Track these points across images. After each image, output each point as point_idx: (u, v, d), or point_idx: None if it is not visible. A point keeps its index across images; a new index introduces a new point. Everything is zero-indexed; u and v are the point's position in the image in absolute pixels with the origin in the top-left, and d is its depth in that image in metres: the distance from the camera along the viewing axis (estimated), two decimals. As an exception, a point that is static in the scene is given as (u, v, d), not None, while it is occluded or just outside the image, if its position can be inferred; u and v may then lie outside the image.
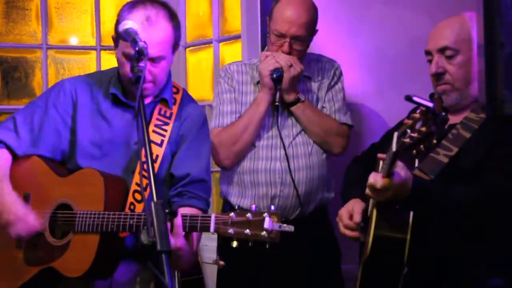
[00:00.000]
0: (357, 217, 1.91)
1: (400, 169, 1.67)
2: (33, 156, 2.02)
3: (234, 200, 2.51)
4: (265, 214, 1.68)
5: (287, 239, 2.28)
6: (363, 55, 2.71)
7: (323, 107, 2.51)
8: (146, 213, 1.45)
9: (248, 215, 1.70)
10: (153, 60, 1.92)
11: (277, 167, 2.42)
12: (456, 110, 1.94)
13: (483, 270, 1.84)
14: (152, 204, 1.44)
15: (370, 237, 1.79)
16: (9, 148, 2.01)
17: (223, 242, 2.48)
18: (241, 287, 2.50)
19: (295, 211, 2.44)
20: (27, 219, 1.92)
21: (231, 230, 1.70)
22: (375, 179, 1.68)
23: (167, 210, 1.60)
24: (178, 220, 1.76)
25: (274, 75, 2.36)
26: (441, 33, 1.92)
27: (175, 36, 1.99)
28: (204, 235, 3.44)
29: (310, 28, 2.42)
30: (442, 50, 1.90)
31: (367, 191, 1.74)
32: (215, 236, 3.44)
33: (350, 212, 1.93)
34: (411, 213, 1.76)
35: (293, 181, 2.39)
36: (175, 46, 2.00)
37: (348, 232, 1.92)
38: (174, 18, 1.99)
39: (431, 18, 1.97)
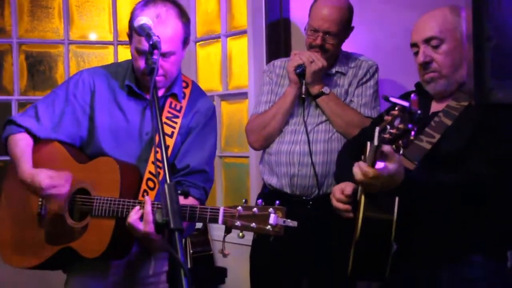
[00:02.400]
0: (348, 191, 1.89)
1: (393, 162, 1.62)
2: (53, 142, 2.00)
3: (266, 178, 2.60)
4: (270, 209, 1.67)
5: (309, 218, 2.37)
6: (363, 48, 2.69)
7: (351, 101, 2.52)
8: (160, 194, 1.44)
9: (254, 209, 1.69)
10: (163, 55, 1.89)
11: (296, 149, 2.47)
12: (442, 97, 1.91)
13: (466, 248, 1.83)
14: (166, 186, 1.43)
15: (359, 219, 1.77)
16: (30, 133, 1.99)
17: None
18: (271, 257, 2.53)
19: (313, 191, 2.46)
20: (56, 183, 1.88)
21: (238, 223, 1.69)
22: (360, 166, 1.66)
23: (179, 191, 1.60)
24: (147, 207, 1.75)
25: (297, 71, 2.43)
26: (426, 25, 1.88)
27: (185, 32, 1.95)
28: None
29: (342, 25, 2.45)
30: (427, 41, 1.86)
31: (356, 177, 1.71)
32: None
33: (342, 189, 1.91)
34: (397, 197, 1.74)
35: (312, 162, 2.42)
36: (185, 41, 1.97)
37: (340, 205, 1.91)
38: (183, 15, 1.95)
39: (424, 13, 1.96)
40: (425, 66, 1.88)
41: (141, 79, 1.97)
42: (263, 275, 2.60)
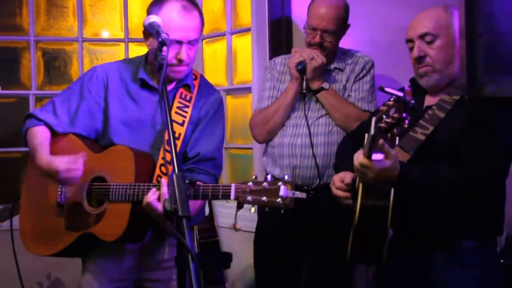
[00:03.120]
0: (348, 180, 1.89)
1: (388, 158, 1.63)
2: (70, 134, 2.01)
3: (269, 169, 2.59)
4: (280, 183, 1.65)
5: (309, 205, 2.29)
6: (360, 44, 2.69)
7: (349, 95, 2.52)
8: (169, 183, 1.44)
9: (264, 184, 1.67)
10: (190, 43, 1.92)
11: (298, 142, 2.46)
12: (435, 91, 1.91)
13: (459, 234, 1.83)
14: (174, 176, 1.43)
15: (357, 206, 1.78)
16: (48, 126, 2.01)
17: (262, 222, 2.60)
18: (274, 242, 2.55)
19: (314, 181, 2.46)
20: (70, 165, 1.89)
21: (249, 198, 1.67)
22: (357, 156, 1.67)
23: (187, 181, 1.60)
24: (163, 189, 1.74)
25: (298, 67, 2.42)
26: (421, 22, 1.89)
27: (203, 21, 1.99)
28: (219, 202, 3.47)
29: (339, 23, 2.45)
30: (422, 36, 1.87)
31: (357, 170, 1.71)
32: (229, 204, 3.48)
33: (342, 178, 1.91)
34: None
35: (313, 154, 2.42)
36: (202, 30, 2.00)
37: (340, 193, 1.91)
38: (198, 5, 2.00)
39: (416, 12, 1.96)
40: (419, 60, 1.88)
41: (169, 71, 1.94)
42: (266, 260, 2.61)
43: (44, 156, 1.92)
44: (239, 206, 1.71)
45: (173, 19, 1.89)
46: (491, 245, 1.89)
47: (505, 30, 1.35)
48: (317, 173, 2.45)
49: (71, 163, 1.88)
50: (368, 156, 1.62)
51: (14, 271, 2.86)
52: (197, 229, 3.25)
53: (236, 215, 1.76)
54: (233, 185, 1.70)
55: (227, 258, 3.22)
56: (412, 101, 1.48)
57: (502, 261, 2.06)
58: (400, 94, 1.48)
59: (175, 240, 1.95)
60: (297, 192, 1.66)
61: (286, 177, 1.67)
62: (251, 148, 3.32)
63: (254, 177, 1.70)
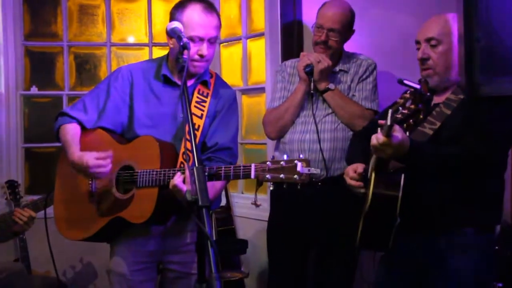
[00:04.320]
0: (360, 170, 1.90)
1: (398, 132, 1.65)
2: (98, 129, 2.03)
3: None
4: (296, 161, 1.63)
5: (317, 195, 2.40)
6: (364, 49, 2.68)
7: (353, 95, 2.51)
8: (189, 173, 1.45)
9: (282, 162, 1.65)
10: (210, 40, 1.95)
11: (307, 138, 2.47)
12: (440, 91, 1.92)
13: (460, 220, 1.84)
14: (194, 168, 1.44)
15: (369, 195, 1.78)
16: (79, 123, 2.03)
17: (274, 194, 2.62)
18: (285, 230, 2.56)
19: (322, 174, 2.45)
20: (99, 161, 1.90)
21: (268, 176, 1.65)
22: (377, 137, 1.67)
23: (206, 173, 1.61)
24: (188, 172, 1.71)
25: (306, 69, 2.43)
26: (429, 27, 1.91)
27: (220, 23, 2.01)
28: (235, 194, 3.49)
29: (344, 25, 2.45)
30: (428, 40, 1.88)
31: (372, 149, 1.72)
32: (243, 195, 3.49)
33: (355, 168, 1.92)
34: (403, 176, 1.75)
35: (321, 148, 2.42)
36: (219, 31, 2.03)
37: (353, 182, 1.91)
38: (216, 8, 2.03)
39: (418, 19, 1.96)
40: (422, 61, 1.90)
41: (190, 66, 1.95)
42: (278, 246, 2.61)
43: (75, 152, 1.95)
44: (259, 184, 1.70)
45: (196, 18, 1.92)
46: (489, 232, 1.90)
47: (501, 36, 1.34)
48: (324, 166, 2.44)
49: (100, 160, 1.89)
50: (387, 135, 1.63)
51: (49, 257, 2.90)
52: (215, 218, 3.26)
53: (256, 192, 1.75)
54: (253, 165, 1.68)
55: (243, 244, 3.24)
56: (428, 93, 1.50)
57: (496, 248, 2.05)
58: (417, 86, 1.50)
59: (195, 226, 1.99)
60: (312, 169, 1.63)
61: (301, 155, 1.66)
62: (264, 144, 3.32)
63: (272, 157, 1.69)
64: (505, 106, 1.76)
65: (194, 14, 1.92)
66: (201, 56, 1.93)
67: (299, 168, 1.61)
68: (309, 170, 1.62)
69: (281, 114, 2.52)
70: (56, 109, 3.59)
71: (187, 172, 1.73)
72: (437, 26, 1.89)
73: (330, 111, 2.49)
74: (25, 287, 2.43)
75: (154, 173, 1.84)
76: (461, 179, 1.80)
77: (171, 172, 1.81)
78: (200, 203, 1.39)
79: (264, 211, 2.85)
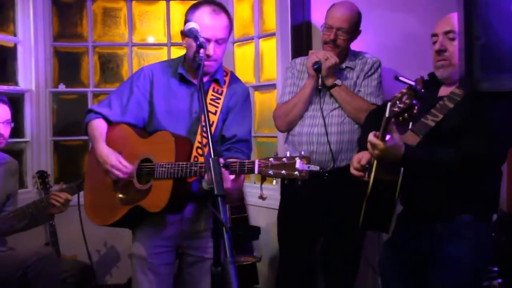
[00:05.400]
0: (364, 162, 1.88)
1: (395, 135, 1.64)
2: (123, 124, 2.06)
3: (290, 154, 2.57)
4: (296, 158, 1.63)
5: (324, 185, 2.40)
6: (370, 47, 2.66)
7: (359, 90, 2.50)
8: (206, 166, 1.46)
9: (284, 159, 1.65)
10: (218, 41, 1.94)
11: (315, 131, 2.46)
12: (449, 83, 1.89)
13: (458, 209, 1.81)
14: (210, 160, 1.44)
15: (370, 179, 1.78)
16: (104, 118, 2.06)
17: (284, 187, 2.62)
18: (294, 217, 2.57)
19: (329, 165, 2.46)
20: (120, 165, 1.94)
21: (271, 171, 1.65)
22: (372, 140, 1.66)
23: (221, 164, 1.61)
24: (225, 171, 1.74)
25: (315, 66, 2.42)
26: (448, 21, 1.86)
27: (231, 24, 2.00)
28: (247, 183, 3.49)
29: (351, 25, 2.45)
30: (446, 33, 1.84)
31: (368, 147, 1.72)
32: (255, 185, 3.50)
33: (359, 159, 1.91)
34: None
35: (328, 141, 2.42)
36: (230, 32, 2.01)
37: (356, 173, 1.90)
38: (227, 11, 2.01)
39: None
40: (439, 52, 1.85)
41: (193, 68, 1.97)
42: (287, 232, 2.62)
43: (101, 147, 1.99)
44: (263, 179, 1.69)
45: (204, 20, 1.92)
46: (485, 220, 1.87)
47: (499, 34, 1.32)
48: (331, 158, 2.44)
49: (121, 165, 1.93)
50: (382, 138, 1.63)
51: (76, 241, 2.94)
52: (229, 207, 3.28)
53: (261, 186, 1.74)
54: (256, 161, 1.69)
55: (256, 231, 3.25)
56: (422, 90, 1.49)
57: (493, 235, 2.03)
58: (412, 83, 1.50)
59: (210, 214, 1.97)
60: (312, 166, 1.62)
61: (302, 152, 1.64)
62: (275, 137, 3.32)
63: (275, 153, 1.68)
64: (507, 105, 1.72)
65: (203, 16, 1.92)
66: (208, 56, 1.92)
67: (298, 165, 1.61)
68: (308, 167, 1.61)
69: (290, 108, 2.52)
70: (81, 105, 3.64)
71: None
72: (455, 20, 1.83)
73: (337, 105, 2.48)
74: (55, 269, 2.46)
75: (170, 165, 1.86)
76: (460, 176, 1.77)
77: (185, 165, 1.83)
78: (216, 192, 1.39)
79: (274, 200, 2.86)
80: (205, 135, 1.61)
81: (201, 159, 1.92)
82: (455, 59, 1.83)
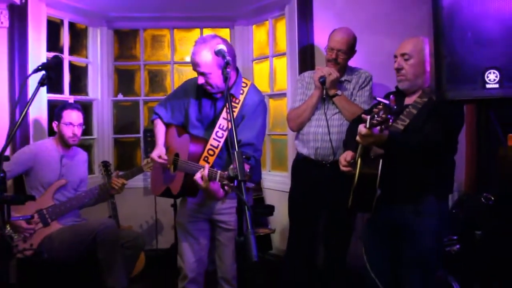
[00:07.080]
0: (349, 158, 1.91)
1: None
2: (172, 124, 2.14)
3: (299, 149, 2.59)
4: (219, 172, 1.70)
5: (326, 174, 2.41)
6: (362, 63, 2.66)
7: (354, 99, 2.50)
8: (232, 157, 1.44)
9: (225, 173, 1.70)
10: (202, 74, 1.89)
11: (319, 131, 2.47)
12: (410, 93, 1.94)
13: (423, 190, 1.83)
14: (235, 152, 1.44)
15: (356, 174, 1.80)
16: (160, 117, 2.16)
17: (294, 171, 2.63)
18: (302, 198, 2.57)
19: (330, 158, 2.47)
20: (157, 157, 2.03)
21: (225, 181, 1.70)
22: (361, 128, 1.70)
23: (244, 156, 1.62)
24: (205, 172, 1.75)
25: (320, 80, 2.42)
26: (404, 45, 1.92)
27: (217, 59, 1.84)
28: (264, 171, 3.51)
29: (349, 47, 2.46)
30: (402, 55, 1.90)
31: (357, 137, 1.74)
32: (270, 172, 3.51)
33: (345, 157, 1.93)
34: (381, 160, 1.76)
35: (330, 139, 2.43)
36: (220, 65, 1.85)
37: (344, 168, 1.93)
38: (213, 49, 1.83)
39: (400, 40, 1.96)
40: (398, 70, 1.92)
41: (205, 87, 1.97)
42: (296, 211, 2.63)
43: (159, 143, 2.10)
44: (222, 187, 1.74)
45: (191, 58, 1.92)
46: (444, 200, 1.89)
47: (461, 54, 1.34)
48: (332, 152, 2.45)
49: (157, 158, 2.01)
50: (369, 128, 1.67)
51: (131, 215, 2.97)
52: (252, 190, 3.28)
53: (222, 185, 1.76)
54: (220, 173, 1.73)
55: (271, 209, 3.27)
56: (395, 107, 1.52)
57: (454, 211, 2.04)
58: (387, 102, 1.53)
59: (233, 194, 1.98)
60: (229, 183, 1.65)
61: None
62: (286, 135, 3.33)
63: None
64: (458, 107, 1.77)
65: (222, 47, 1.82)
66: (201, 83, 1.91)
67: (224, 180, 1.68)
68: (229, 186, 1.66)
69: (300, 113, 2.53)
70: (135, 110, 3.71)
71: (205, 172, 1.75)
72: (409, 44, 1.89)
73: (337, 111, 2.48)
74: (116, 236, 2.54)
75: (183, 162, 1.93)
76: (422, 161, 1.80)
77: (192, 165, 1.88)
78: (239, 177, 1.40)
79: (285, 185, 2.88)
80: (218, 138, 1.69)
81: (211, 159, 1.94)
82: (410, 75, 1.88)
